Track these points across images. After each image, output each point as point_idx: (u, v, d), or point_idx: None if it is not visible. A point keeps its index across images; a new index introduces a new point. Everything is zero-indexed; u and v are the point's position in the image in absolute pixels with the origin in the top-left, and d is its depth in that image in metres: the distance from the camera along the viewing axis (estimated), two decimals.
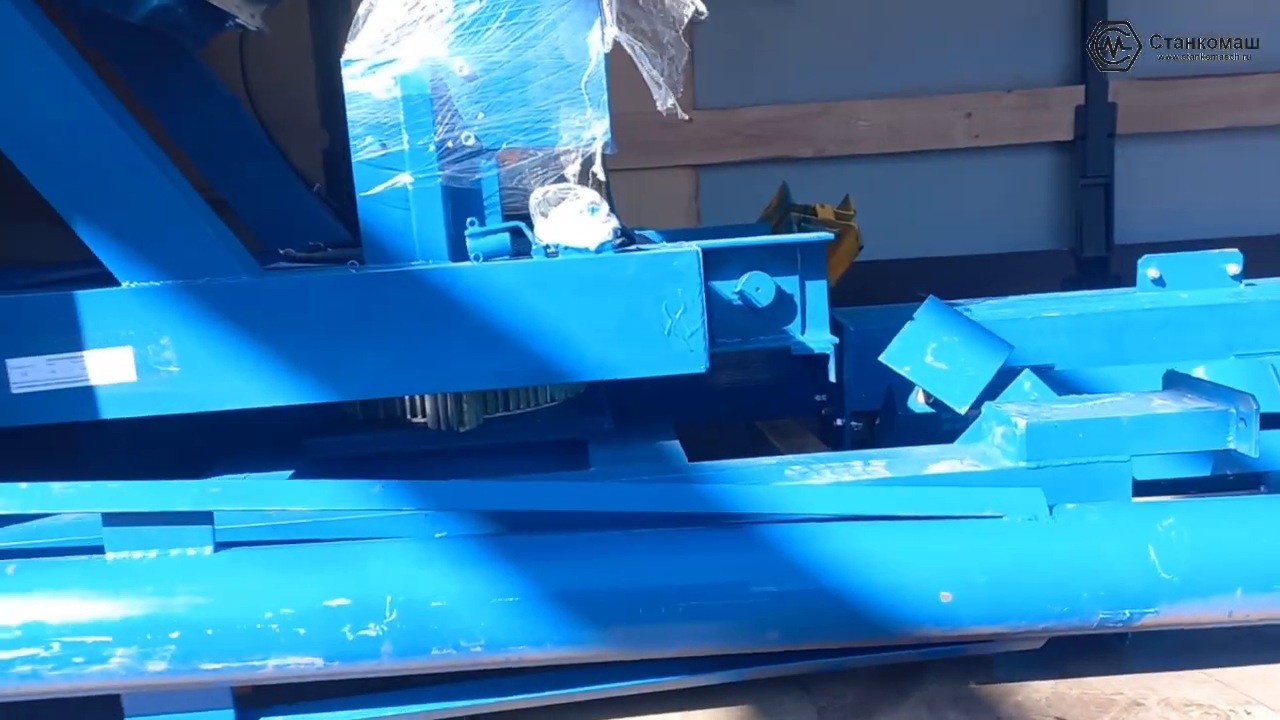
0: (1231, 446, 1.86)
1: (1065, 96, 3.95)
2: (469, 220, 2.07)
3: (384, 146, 2.07)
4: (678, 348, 2.03)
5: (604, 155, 2.12)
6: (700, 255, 2.02)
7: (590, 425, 2.35)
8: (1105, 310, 2.85)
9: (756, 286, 2.29)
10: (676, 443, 2.24)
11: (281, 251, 2.47)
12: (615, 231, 2.04)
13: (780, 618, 1.67)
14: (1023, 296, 3.07)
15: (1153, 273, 2.99)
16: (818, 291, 2.37)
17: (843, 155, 3.94)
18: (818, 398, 2.92)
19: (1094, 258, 4.02)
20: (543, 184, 2.10)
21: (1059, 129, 3.97)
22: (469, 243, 2.05)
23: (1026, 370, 2.24)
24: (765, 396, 2.97)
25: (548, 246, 2.04)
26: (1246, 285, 2.96)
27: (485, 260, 2.02)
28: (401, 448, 2.31)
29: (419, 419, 2.36)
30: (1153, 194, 4.05)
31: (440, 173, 2.06)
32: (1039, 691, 1.79)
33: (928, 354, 2.39)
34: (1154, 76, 3.95)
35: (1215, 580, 1.68)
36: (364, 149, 2.06)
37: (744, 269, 2.32)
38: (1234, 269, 2.96)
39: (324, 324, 1.97)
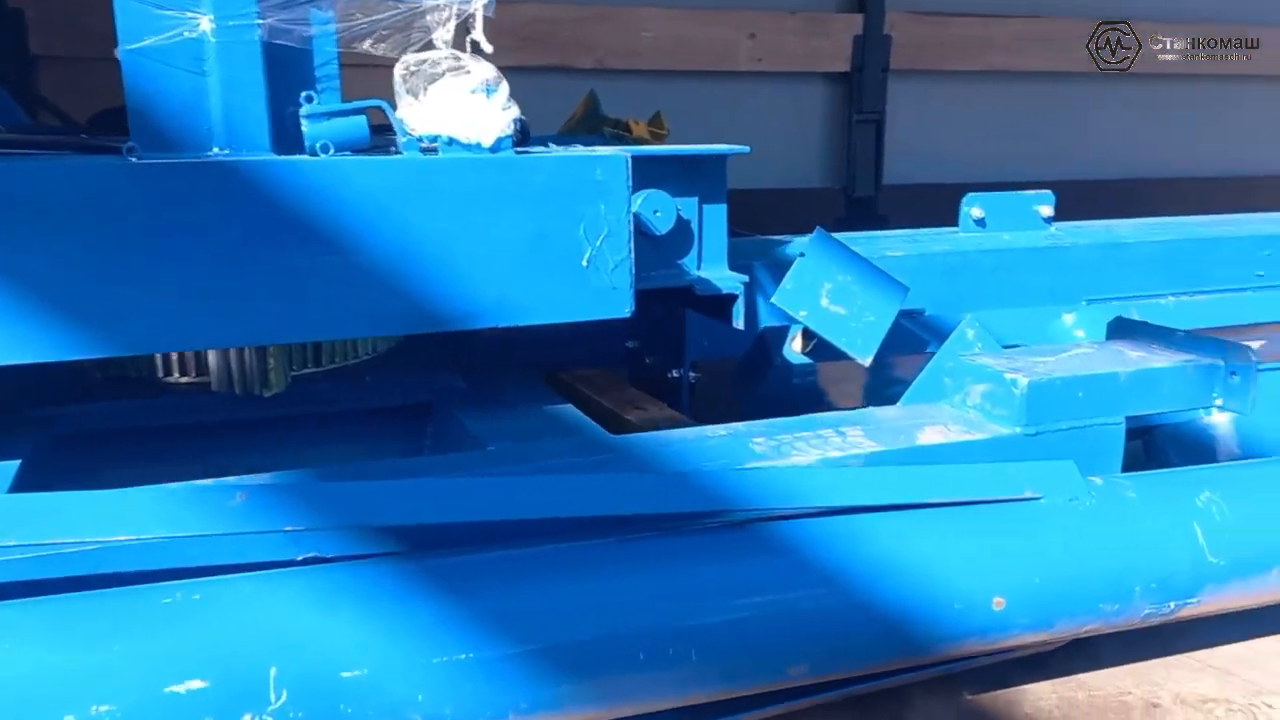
0: (1218, 405, 1.69)
1: (845, 24, 3.77)
2: (303, 95, 1.44)
3: None
4: (598, 284, 1.54)
5: (486, 19, 1.57)
6: (630, 163, 1.53)
7: (440, 385, 1.79)
8: (944, 251, 2.67)
9: (655, 209, 1.83)
10: (571, 406, 1.75)
11: None
12: (517, 124, 1.50)
13: (811, 646, 1.26)
14: (859, 233, 2.83)
15: (976, 212, 2.84)
16: (717, 218, 1.96)
17: (625, 69, 3.51)
18: (629, 344, 2.51)
19: (864, 197, 3.90)
20: (407, 51, 1.51)
21: (838, 59, 3.79)
22: (305, 126, 1.42)
23: (970, 316, 1.96)
24: (564, 344, 2.50)
25: (422, 139, 1.46)
26: (1056, 228, 2.91)
27: (333, 154, 1.41)
28: (181, 418, 1.64)
29: (184, 379, 1.69)
30: (917, 133, 3.98)
31: (259, 21, 1.41)
32: (1043, 698, 1.53)
33: (823, 296, 2.05)
34: (930, 11, 3.86)
35: (1258, 559, 1.47)
36: None
37: (636, 186, 1.86)
38: (1047, 211, 2.89)
39: (78, 239, 1.28)
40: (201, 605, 1.04)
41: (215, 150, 1.42)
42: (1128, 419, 1.64)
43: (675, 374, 2.47)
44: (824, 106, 3.87)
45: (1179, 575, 1.42)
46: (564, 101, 2.97)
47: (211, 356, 1.63)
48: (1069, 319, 2.42)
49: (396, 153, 1.45)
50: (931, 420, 1.61)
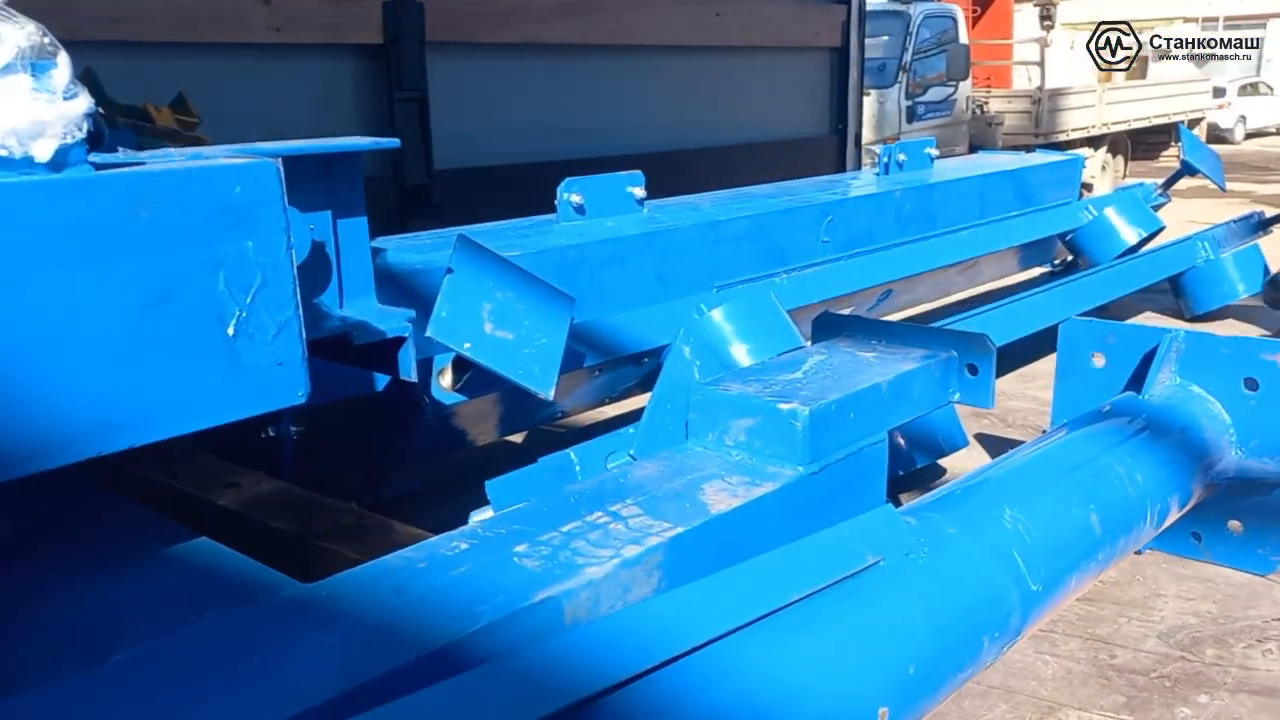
0: (956, 399, 1.55)
1: None
2: None
3: None
4: (254, 361, 1.01)
5: None
6: (281, 171, 1.01)
7: None
8: (560, 246, 2.37)
9: None
10: (206, 539, 1.17)
11: None
12: (89, 122, 0.91)
13: None
14: (471, 227, 2.42)
15: (576, 198, 2.58)
16: (357, 235, 1.46)
17: (107, 41, 2.73)
18: None
19: (416, 185, 3.46)
20: None
21: (369, 29, 3.29)
22: None
23: (683, 331, 1.65)
24: None
25: None
26: (648, 208, 2.74)
27: None
28: None
29: None
30: (463, 112, 3.62)
31: None
32: None
33: (486, 320, 1.66)
34: None
35: (1061, 573, 1.34)
36: None
37: None
38: (640, 192, 2.71)
39: None
40: None
41: None
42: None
43: (271, 433, 1.93)
44: (359, 83, 3.36)
45: (1012, 613, 1.24)
46: None
47: None
48: (717, 314, 2.21)
49: None
50: (702, 474, 1.28)
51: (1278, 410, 1.72)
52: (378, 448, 1.95)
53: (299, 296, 1.03)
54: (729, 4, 4.44)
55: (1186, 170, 4.09)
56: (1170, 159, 17.44)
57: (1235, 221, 3.81)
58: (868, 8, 12.46)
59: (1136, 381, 1.82)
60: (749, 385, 1.40)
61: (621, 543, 1.11)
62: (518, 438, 2.49)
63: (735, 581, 1.03)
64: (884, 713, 1.04)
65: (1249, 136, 26.61)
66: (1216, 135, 24.70)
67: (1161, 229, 3.66)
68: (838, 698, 1.01)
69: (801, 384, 1.39)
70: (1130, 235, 3.54)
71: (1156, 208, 4.08)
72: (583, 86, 4.01)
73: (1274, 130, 27.61)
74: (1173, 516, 1.64)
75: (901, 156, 3.59)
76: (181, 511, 1.63)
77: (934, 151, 3.75)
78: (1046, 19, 14.66)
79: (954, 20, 11.67)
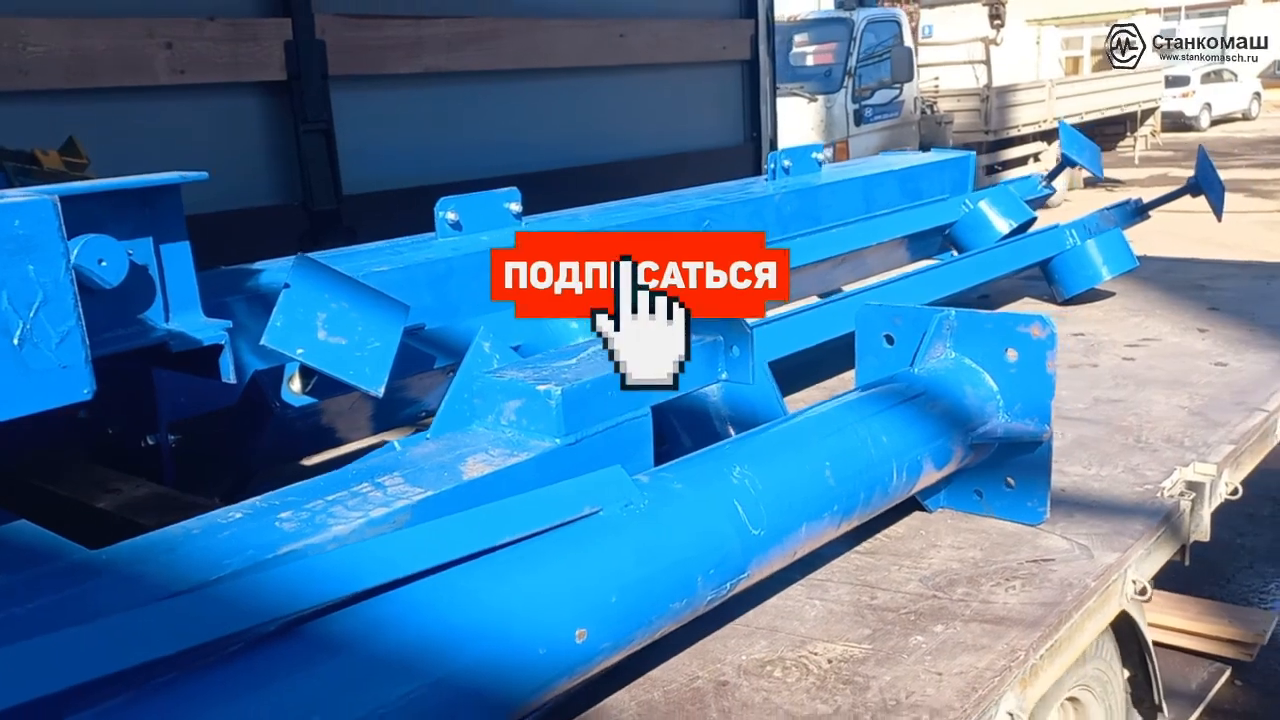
0: (724, 379, 1.76)
1: (274, 29, 3.49)
2: None
3: None
4: (40, 365, 1.22)
5: None
6: (59, 207, 1.22)
7: None
8: (428, 260, 2.59)
9: (100, 258, 1.51)
10: (25, 522, 1.38)
11: None
12: None
13: None
14: (332, 251, 2.63)
15: (451, 216, 2.79)
16: (180, 258, 1.67)
17: (10, 92, 2.94)
18: (80, 414, 2.14)
19: (325, 210, 3.67)
20: None
21: (271, 67, 3.50)
22: None
23: (483, 328, 1.86)
24: None
25: None
26: (526, 223, 2.96)
27: None
28: None
29: None
30: (370, 139, 3.83)
31: None
32: (624, 709, 1.48)
33: (319, 328, 1.86)
34: (361, 14, 3.71)
35: (788, 521, 1.55)
36: None
37: (71, 232, 1.51)
38: (516, 207, 2.93)
39: None
40: None
41: None
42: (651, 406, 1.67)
43: (150, 441, 2.14)
44: (264, 118, 3.57)
45: (731, 555, 1.45)
46: None
47: None
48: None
49: None
50: (471, 449, 1.50)
51: (1033, 377, 1.93)
52: (244, 450, 2.16)
53: (80, 310, 1.24)
54: (631, 24, 4.66)
55: (1066, 163, 4.32)
56: (1126, 149, 17.75)
57: (1111, 208, 4.03)
58: (813, 16, 12.73)
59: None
60: (522, 372, 1.61)
61: (373, 506, 1.32)
62: (398, 435, 2.69)
63: (456, 524, 1.24)
64: (582, 633, 1.24)
65: (1214, 123, 26.92)
66: (1183, 123, 25.05)
67: (1033, 219, 3.88)
68: (539, 619, 1.21)
69: (570, 369, 1.60)
70: (1002, 226, 3.76)
71: (1043, 199, 4.31)
72: (491, 109, 4.22)
73: (1239, 116, 27.96)
74: (929, 473, 1.85)
75: (787, 163, 3.81)
76: (66, 514, 1.85)
77: (820, 156, 3.97)
78: (996, 18, 14.97)
79: (898, 24, 11.98)
